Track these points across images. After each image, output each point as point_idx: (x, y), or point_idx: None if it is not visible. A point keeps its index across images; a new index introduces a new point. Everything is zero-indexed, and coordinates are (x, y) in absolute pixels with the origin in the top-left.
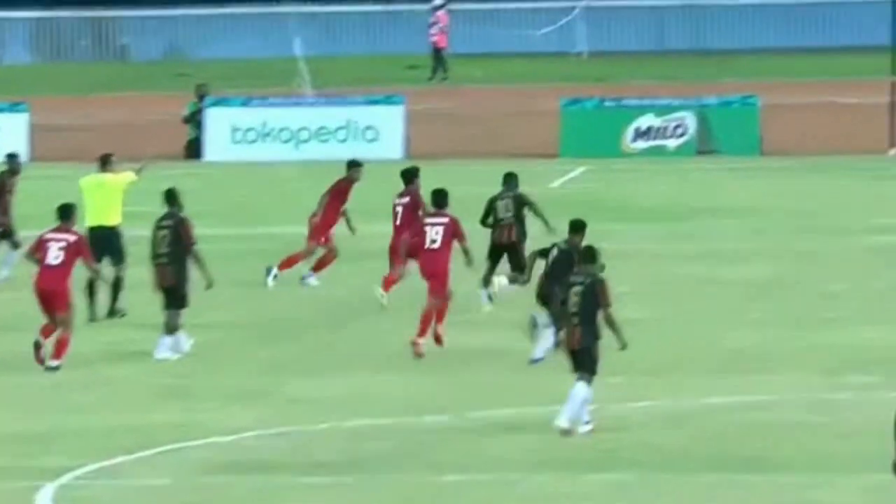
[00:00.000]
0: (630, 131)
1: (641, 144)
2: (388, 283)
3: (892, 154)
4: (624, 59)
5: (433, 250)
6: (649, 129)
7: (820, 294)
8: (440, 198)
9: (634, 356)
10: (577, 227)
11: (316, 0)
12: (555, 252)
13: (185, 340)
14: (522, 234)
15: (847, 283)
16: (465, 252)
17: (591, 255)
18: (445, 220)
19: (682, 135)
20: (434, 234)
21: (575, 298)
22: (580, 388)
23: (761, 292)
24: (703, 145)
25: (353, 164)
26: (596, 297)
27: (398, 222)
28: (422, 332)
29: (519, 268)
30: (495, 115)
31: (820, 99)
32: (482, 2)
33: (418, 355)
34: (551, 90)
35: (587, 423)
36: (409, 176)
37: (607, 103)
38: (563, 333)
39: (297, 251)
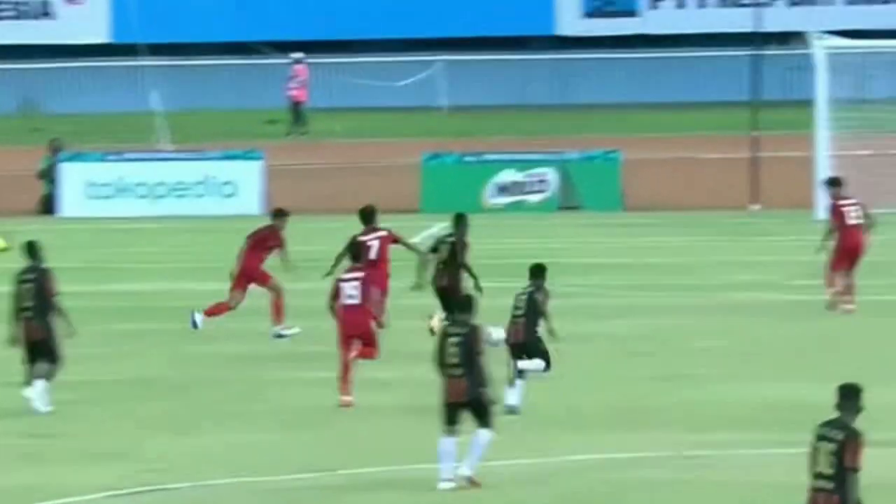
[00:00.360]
0: (491, 187)
1: (503, 200)
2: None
3: (753, 210)
4: (485, 114)
5: (352, 306)
6: (510, 184)
7: (686, 350)
8: (358, 254)
9: (501, 412)
10: (540, 270)
11: (173, 53)
12: (524, 297)
13: (44, 399)
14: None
15: (712, 340)
16: (374, 306)
17: (467, 304)
18: (361, 274)
19: (543, 190)
20: (351, 289)
21: (453, 349)
22: (485, 436)
23: (629, 348)
24: (565, 201)
25: (280, 214)
26: (472, 344)
27: (372, 256)
28: (344, 386)
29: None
30: (355, 170)
31: (681, 154)
32: (342, 55)
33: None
34: (412, 145)
35: (448, 480)
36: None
37: (468, 158)
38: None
39: (223, 300)
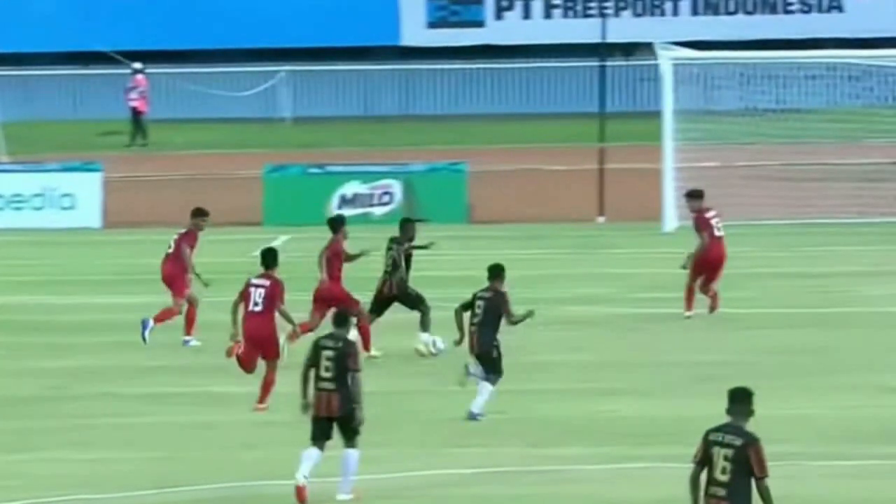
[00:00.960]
0: (335, 199)
1: (347, 212)
2: (303, 328)
3: (601, 222)
4: (329, 125)
5: (256, 314)
6: (355, 196)
7: (531, 365)
8: (269, 259)
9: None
10: (497, 271)
11: (10, 63)
12: (481, 303)
13: None
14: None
15: (556, 355)
16: (283, 315)
17: (342, 319)
18: (267, 282)
19: (388, 202)
20: (257, 296)
21: (327, 363)
22: (352, 455)
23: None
24: (410, 213)
25: (200, 213)
26: (348, 360)
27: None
28: (262, 399)
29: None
30: (197, 182)
31: (528, 166)
32: (183, 65)
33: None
34: (255, 156)
35: (304, 476)
36: (336, 224)
37: (312, 170)
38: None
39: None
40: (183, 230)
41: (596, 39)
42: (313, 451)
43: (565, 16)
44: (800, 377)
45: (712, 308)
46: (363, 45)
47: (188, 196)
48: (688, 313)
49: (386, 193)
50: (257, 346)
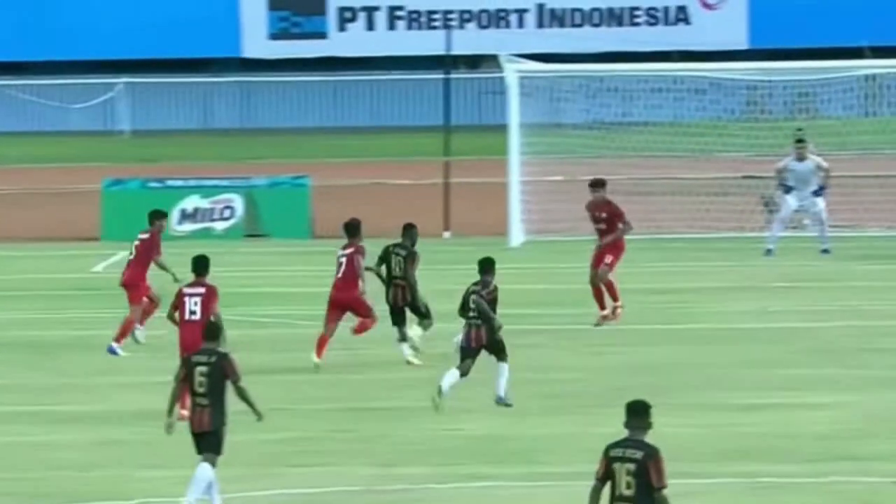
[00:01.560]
0: (176, 213)
1: (188, 227)
2: (320, 346)
3: (446, 237)
4: (169, 138)
5: (193, 322)
6: (195, 210)
7: (377, 382)
8: (201, 266)
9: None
10: (488, 265)
11: None
12: (476, 297)
13: None
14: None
15: (402, 372)
16: (217, 321)
17: (214, 331)
18: (202, 290)
19: (229, 217)
20: (193, 304)
21: (201, 379)
22: (205, 470)
23: (315, 380)
24: (252, 228)
25: (159, 215)
26: (224, 373)
27: (339, 274)
28: (182, 405)
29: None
30: (33, 196)
31: (373, 180)
32: (17, 77)
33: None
34: (92, 170)
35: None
36: (354, 229)
37: (151, 184)
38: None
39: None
40: (144, 234)
41: (440, 51)
42: (204, 469)
43: (409, 27)
44: (653, 395)
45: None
46: (203, 56)
47: (24, 211)
48: (604, 312)
49: (227, 208)
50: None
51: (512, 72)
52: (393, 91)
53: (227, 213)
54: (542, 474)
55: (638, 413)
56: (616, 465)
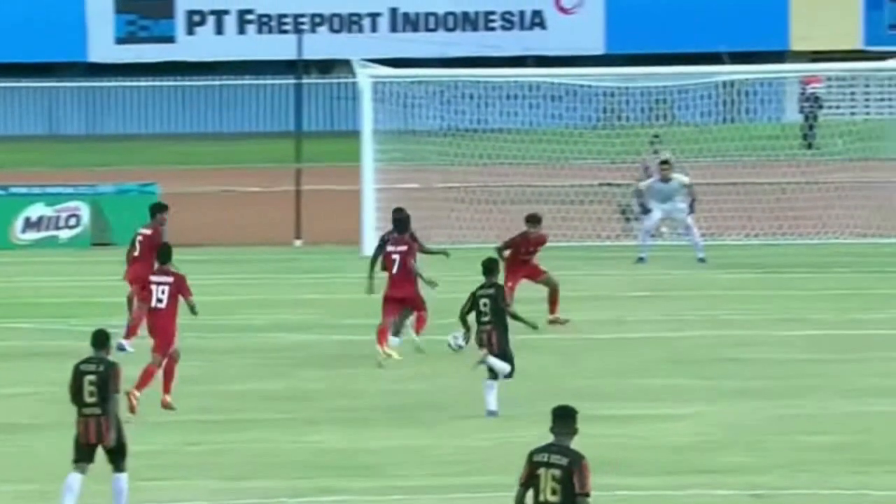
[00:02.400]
0: (20, 221)
1: (32, 235)
2: (382, 337)
3: (298, 245)
4: (12, 144)
5: (159, 310)
6: (40, 219)
7: (222, 394)
8: (165, 254)
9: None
10: (493, 266)
11: None
12: (486, 300)
13: None
14: None
15: (254, 383)
16: (191, 307)
17: (102, 339)
18: (170, 279)
19: (75, 225)
20: (160, 293)
21: (91, 388)
22: (122, 481)
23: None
24: (98, 236)
25: (161, 207)
26: (110, 383)
27: (394, 270)
28: (139, 386)
29: None
30: None
31: (223, 187)
32: None
33: (130, 410)
34: None
35: None
36: (404, 222)
37: None
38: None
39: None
40: (147, 230)
41: (292, 56)
42: (75, 480)
43: (260, 31)
44: (508, 407)
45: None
46: (47, 60)
47: None
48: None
49: (73, 216)
50: (155, 338)
51: (365, 77)
52: (243, 96)
53: (72, 221)
54: (394, 488)
55: (563, 418)
56: (541, 471)
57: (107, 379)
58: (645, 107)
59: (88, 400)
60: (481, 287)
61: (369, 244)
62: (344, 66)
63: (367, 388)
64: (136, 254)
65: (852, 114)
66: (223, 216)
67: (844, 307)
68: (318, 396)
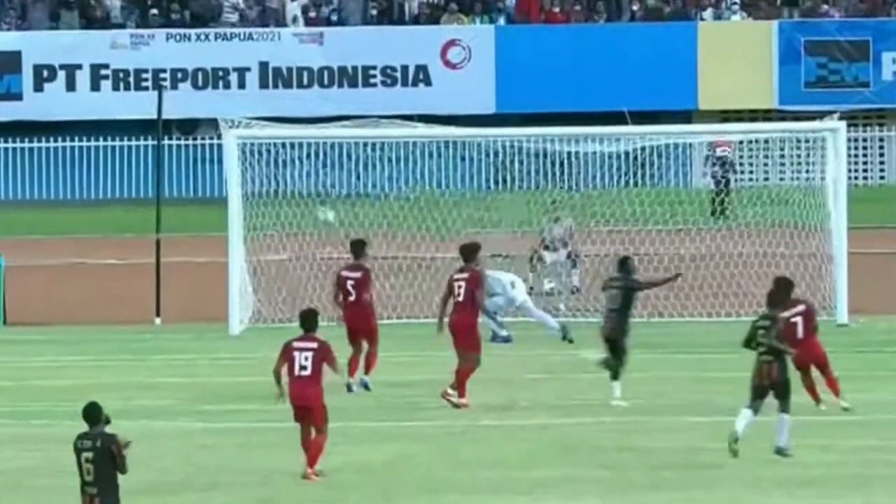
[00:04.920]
0: None
1: None
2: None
3: (158, 324)
4: None
5: (304, 378)
6: None
7: (62, 489)
8: (310, 321)
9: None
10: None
11: None
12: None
13: None
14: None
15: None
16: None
17: (95, 413)
18: (315, 344)
19: None
20: (303, 360)
21: (88, 466)
22: None
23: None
24: None
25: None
26: (112, 455)
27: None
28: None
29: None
30: None
31: (74, 259)
32: None
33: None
34: None
35: None
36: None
37: None
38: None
39: None
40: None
41: (151, 115)
42: None
43: (116, 88)
44: (375, 499)
45: None
46: None
47: None
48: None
49: None
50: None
51: (232, 137)
52: (98, 159)
53: None
54: None
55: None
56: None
57: (105, 454)
58: (540, 169)
59: (87, 478)
60: (762, 318)
61: (236, 324)
62: (209, 125)
63: (230, 480)
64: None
65: (765, 179)
66: (75, 291)
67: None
68: (176, 488)
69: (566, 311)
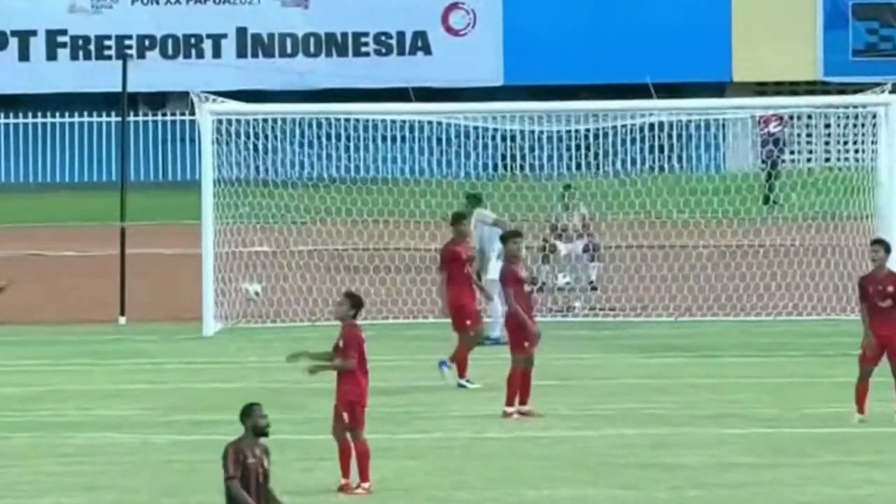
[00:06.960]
0: None
1: None
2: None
3: (122, 323)
4: None
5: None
6: None
7: None
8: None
9: None
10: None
11: None
12: None
13: None
14: None
15: (49, 498)
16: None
17: None
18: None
19: None
20: None
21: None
22: None
23: None
24: None
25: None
26: None
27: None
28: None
29: None
30: None
31: (30, 251)
32: None
33: None
34: None
35: None
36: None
37: None
38: None
39: None
40: None
41: (115, 88)
42: None
43: (75, 57)
44: None
45: None
46: None
47: None
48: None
49: None
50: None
51: (206, 113)
52: (55, 138)
53: None
54: None
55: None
56: None
57: None
58: (553, 154)
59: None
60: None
61: (210, 323)
62: (180, 100)
63: (203, 501)
64: None
65: (809, 161)
66: (30, 286)
67: (792, 399)
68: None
69: (581, 308)
